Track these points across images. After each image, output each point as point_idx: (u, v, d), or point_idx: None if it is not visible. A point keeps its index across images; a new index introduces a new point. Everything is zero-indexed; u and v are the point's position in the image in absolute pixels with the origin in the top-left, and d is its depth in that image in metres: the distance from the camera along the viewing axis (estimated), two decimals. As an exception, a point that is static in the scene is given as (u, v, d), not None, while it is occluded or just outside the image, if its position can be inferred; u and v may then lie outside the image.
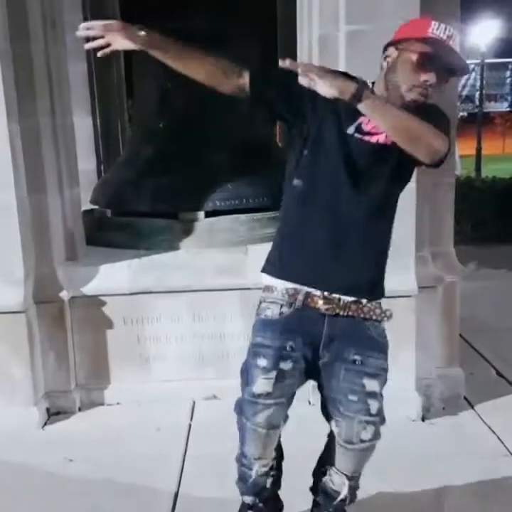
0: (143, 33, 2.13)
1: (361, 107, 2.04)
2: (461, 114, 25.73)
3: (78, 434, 3.86)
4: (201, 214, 4.52)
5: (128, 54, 5.84)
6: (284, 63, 2.00)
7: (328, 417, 2.43)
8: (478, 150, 22.70)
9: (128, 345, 4.16)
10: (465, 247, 6.42)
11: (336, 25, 3.57)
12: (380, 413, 2.34)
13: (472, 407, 4.02)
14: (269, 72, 2.29)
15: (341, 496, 2.51)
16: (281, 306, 2.34)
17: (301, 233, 2.32)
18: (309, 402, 3.70)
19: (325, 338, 2.32)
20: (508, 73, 27.48)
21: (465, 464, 3.37)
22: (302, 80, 2.00)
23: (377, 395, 2.32)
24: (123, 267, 4.17)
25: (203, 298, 4.10)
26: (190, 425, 3.89)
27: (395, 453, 3.36)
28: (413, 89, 2.16)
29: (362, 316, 2.33)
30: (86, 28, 2.17)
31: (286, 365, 2.31)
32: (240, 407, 2.40)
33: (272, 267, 2.40)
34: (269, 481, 2.59)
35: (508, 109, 29.51)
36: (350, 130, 2.21)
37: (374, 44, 3.41)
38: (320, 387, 2.44)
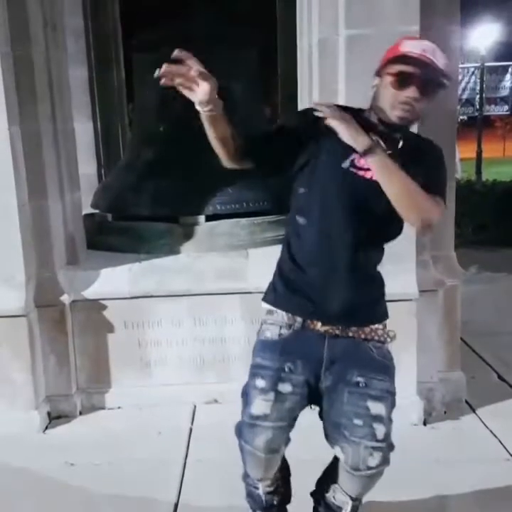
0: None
1: (371, 162, 2.12)
2: (461, 117, 25.73)
3: (79, 438, 3.85)
4: (202, 218, 4.53)
5: (128, 57, 5.86)
6: (314, 105, 2.13)
7: (332, 443, 2.36)
8: (479, 153, 22.69)
9: (129, 349, 4.16)
10: (466, 250, 6.41)
11: (336, 29, 3.57)
12: (386, 438, 2.27)
13: (474, 411, 4.01)
14: (263, 137, 2.34)
15: None
16: (281, 327, 2.33)
17: (298, 266, 2.32)
18: (311, 407, 3.70)
19: (326, 360, 2.30)
20: (508, 76, 27.49)
21: (466, 468, 3.37)
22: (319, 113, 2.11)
23: (383, 419, 2.26)
24: (124, 271, 4.17)
25: (203, 302, 4.10)
26: (191, 429, 3.89)
27: (396, 457, 3.34)
28: (396, 105, 2.16)
29: (363, 336, 2.30)
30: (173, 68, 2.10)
31: (284, 388, 2.29)
32: (239, 430, 2.38)
33: (270, 297, 2.41)
34: (276, 499, 2.59)
35: (507, 113, 29.51)
36: (345, 164, 2.21)
37: (374, 48, 3.42)
38: (323, 413, 2.39)
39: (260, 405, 2.28)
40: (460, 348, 4.23)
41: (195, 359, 4.19)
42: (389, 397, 2.29)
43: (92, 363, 4.17)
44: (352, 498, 2.44)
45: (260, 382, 2.30)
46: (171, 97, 4.79)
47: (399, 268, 3.55)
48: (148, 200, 4.58)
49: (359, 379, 2.26)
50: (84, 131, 5.89)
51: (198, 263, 4.22)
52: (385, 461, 2.29)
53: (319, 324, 2.28)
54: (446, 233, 4.05)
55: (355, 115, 2.20)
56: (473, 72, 26.31)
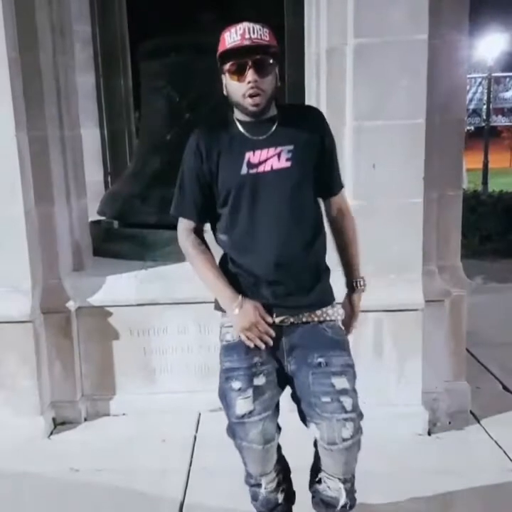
0: None
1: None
2: (467, 128, 25.70)
3: (84, 444, 3.86)
4: (207, 226, 4.52)
5: (135, 64, 5.88)
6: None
7: (307, 422, 2.44)
8: (485, 164, 22.68)
9: (134, 356, 4.16)
10: (472, 260, 6.42)
11: (344, 38, 3.57)
12: (355, 408, 2.36)
13: (478, 421, 3.99)
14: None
15: (341, 503, 2.50)
16: None
17: (240, 269, 2.44)
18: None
19: (286, 347, 2.42)
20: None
21: (471, 479, 3.35)
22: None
23: (348, 391, 2.36)
24: (130, 278, 4.18)
25: (209, 309, 4.08)
26: (195, 437, 3.88)
27: (400, 467, 3.35)
28: (245, 95, 2.27)
29: (316, 319, 2.43)
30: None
31: (259, 381, 2.40)
32: (231, 431, 2.48)
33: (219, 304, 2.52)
34: (280, 497, 2.65)
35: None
36: (244, 170, 2.33)
37: (382, 57, 3.45)
38: (294, 394, 2.49)
39: (242, 404, 2.39)
40: (465, 359, 4.22)
41: (201, 367, 4.19)
42: (350, 369, 2.41)
43: (98, 369, 4.17)
44: (341, 480, 2.47)
45: (236, 384, 2.40)
46: (177, 105, 4.85)
47: (405, 278, 3.55)
48: (155, 207, 4.58)
49: (320, 360, 2.37)
50: (91, 138, 5.91)
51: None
52: (358, 431, 2.37)
53: (274, 316, 2.38)
54: (453, 243, 4.04)
55: (221, 127, 2.40)
56: (480, 83, 26.31)
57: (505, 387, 4.55)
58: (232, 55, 2.24)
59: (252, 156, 2.32)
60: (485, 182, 20.68)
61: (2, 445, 3.78)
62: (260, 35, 2.24)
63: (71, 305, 3.99)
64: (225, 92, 2.37)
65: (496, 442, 3.74)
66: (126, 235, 4.75)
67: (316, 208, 2.47)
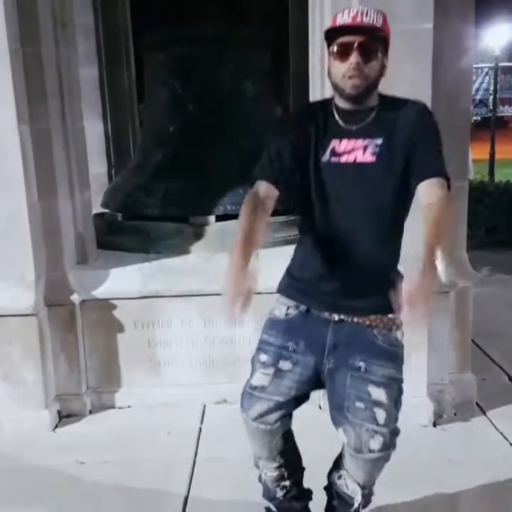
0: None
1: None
2: (474, 118, 25.61)
3: (89, 437, 3.86)
4: (212, 218, 4.52)
5: (138, 56, 5.87)
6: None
7: (336, 425, 2.38)
8: (492, 154, 22.56)
9: (138, 349, 4.16)
10: (478, 252, 6.39)
11: (349, 28, 3.55)
12: (388, 424, 2.27)
13: (484, 413, 3.99)
14: (266, 166, 2.32)
15: (355, 506, 2.48)
16: (288, 307, 2.41)
17: (305, 264, 2.39)
18: (320, 407, 3.70)
19: (329, 344, 2.33)
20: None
21: (476, 470, 3.35)
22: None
23: (383, 404, 2.27)
24: (134, 271, 4.18)
25: (213, 302, 4.08)
26: (200, 429, 3.89)
27: (406, 459, 3.32)
28: (345, 76, 2.18)
29: (367, 323, 2.31)
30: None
31: (284, 365, 2.36)
32: (241, 400, 2.47)
33: (281, 285, 2.49)
34: (280, 492, 2.61)
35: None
36: (326, 157, 2.24)
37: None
38: (327, 396, 2.44)
39: (260, 378, 2.39)
40: (471, 350, 4.21)
41: (205, 359, 4.19)
42: (393, 383, 2.30)
43: (102, 362, 4.17)
44: (360, 486, 2.44)
45: (263, 357, 2.40)
46: (181, 97, 4.84)
47: (410, 269, 3.53)
48: (159, 200, 4.58)
49: (361, 364, 2.28)
50: (94, 131, 5.91)
51: (208, 263, 4.21)
52: (387, 446, 2.29)
53: (324, 310, 2.34)
54: (459, 234, 4.02)
55: (321, 108, 2.30)
56: (487, 73, 26.16)
57: (511, 379, 4.54)
58: (340, 34, 2.18)
59: (338, 145, 2.23)
60: (491, 173, 20.59)
61: (7, 438, 3.79)
62: (373, 19, 2.18)
63: (75, 298, 3.99)
64: (327, 73, 2.28)
65: (501, 434, 3.73)
66: (130, 227, 4.74)
67: (400, 207, 2.30)
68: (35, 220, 3.83)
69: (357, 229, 2.26)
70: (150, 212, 4.62)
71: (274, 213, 4.68)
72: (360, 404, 2.27)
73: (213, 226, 4.50)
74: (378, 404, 2.26)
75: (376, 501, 2.65)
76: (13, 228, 3.76)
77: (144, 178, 4.82)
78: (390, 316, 2.29)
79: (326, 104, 2.32)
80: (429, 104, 3.46)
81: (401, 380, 2.33)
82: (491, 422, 3.87)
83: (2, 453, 3.65)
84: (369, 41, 2.17)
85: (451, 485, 3.21)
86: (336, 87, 2.24)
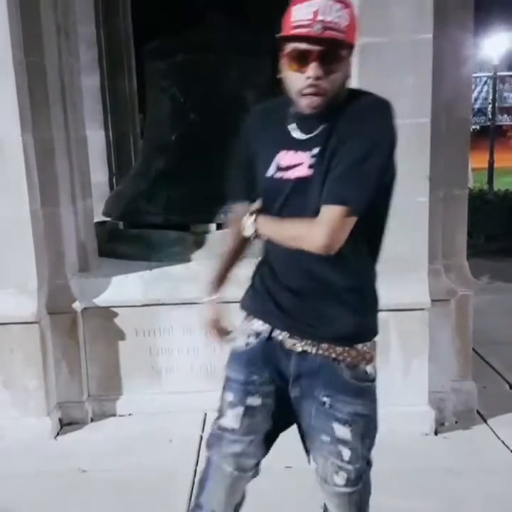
0: None
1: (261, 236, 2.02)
2: (473, 127, 25.63)
3: (90, 444, 3.86)
4: (213, 226, 4.54)
5: (140, 66, 5.89)
6: None
7: (306, 450, 2.20)
8: (491, 163, 22.60)
9: (140, 357, 4.16)
10: (478, 260, 6.40)
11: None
12: (354, 461, 2.07)
13: (485, 421, 3.99)
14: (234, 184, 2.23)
15: None
16: (249, 336, 2.16)
17: (273, 273, 2.12)
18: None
19: (293, 374, 2.08)
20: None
21: (477, 478, 3.35)
22: None
23: (349, 443, 2.05)
24: (135, 279, 4.19)
25: (215, 310, 4.09)
26: (201, 437, 3.88)
27: (407, 467, 3.35)
28: (300, 96, 1.83)
29: (333, 356, 2.02)
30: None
31: (254, 401, 2.13)
32: (208, 440, 2.24)
33: (244, 300, 2.33)
34: None
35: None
36: (270, 173, 1.96)
37: (386, 56, 3.45)
38: (297, 421, 2.19)
39: (229, 419, 2.15)
40: (472, 358, 4.21)
41: (206, 367, 4.19)
42: (359, 420, 2.06)
43: (104, 370, 4.18)
44: None
45: (229, 396, 2.17)
46: (182, 106, 4.86)
47: (411, 277, 3.54)
48: (160, 208, 4.60)
49: (325, 399, 2.04)
50: (96, 139, 5.93)
51: (209, 271, 4.20)
52: (352, 483, 2.10)
53: (287, 337, 2.06)
54: (459, 242, 4.04)
55: (275, 111, 2.00)
56: (485, 82, 26.22)
57: (511, 387, 4.54)
58: (295, 38, 1.77)
59: (283, 157, 1.93)
60: (490, 181, 20.61)
61: (9, 446, 3.79)
62: (337, 20, 1.74)
63: (77, 306, 4.00)
64: (279, 76, 1.88)
65: (502, 442, 3.73)
66: (132, 235, 4.75)
67: (359, 225, 1.88)
68: (37, 227, 3.84)
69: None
70: (151, 221, 4.64)
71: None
72: (325, 438, 2.07)
73: (214, 234, 4.51)
74: (342, 442, 2.05)
75: (375, 509, 2.64)
76: (15, 236, 3.77)
77: (145, 186, 4.84)
78: (359, 347, 2.04)
79: (282, 106, 1.95)
80: (429, 114, 3.51)
81: (369, 417, 2.09)
82: (492, 430, 3.87)
83: (3, 460, 3.66)
84: (332, 50, 1.77)
85: (451, 493, 3.22)
86: (293, 100, 1.89)
